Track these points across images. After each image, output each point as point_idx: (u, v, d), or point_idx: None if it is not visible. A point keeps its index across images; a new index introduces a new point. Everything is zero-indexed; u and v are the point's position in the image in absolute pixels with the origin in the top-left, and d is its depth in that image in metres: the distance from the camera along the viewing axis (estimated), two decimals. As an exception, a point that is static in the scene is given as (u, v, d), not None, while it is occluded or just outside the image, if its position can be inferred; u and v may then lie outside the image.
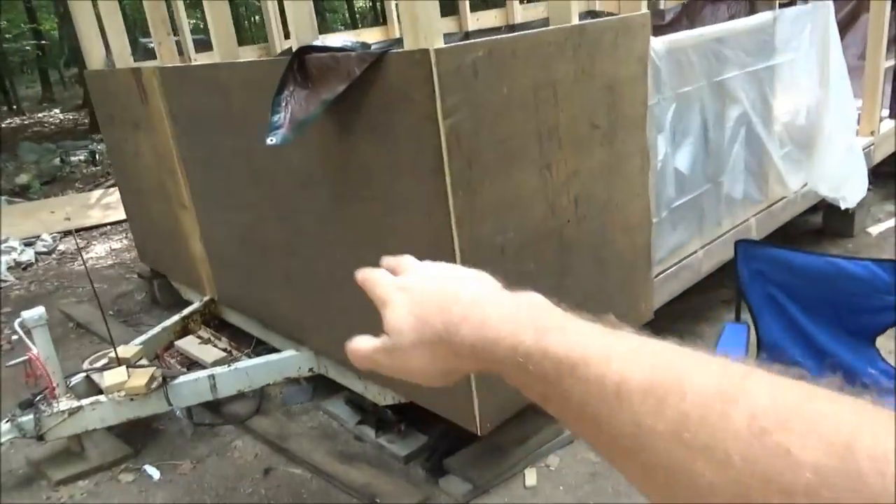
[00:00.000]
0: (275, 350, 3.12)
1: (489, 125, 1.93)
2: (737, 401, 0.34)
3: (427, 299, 0.56)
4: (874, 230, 4.68)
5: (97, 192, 6.88)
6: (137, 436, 2.90)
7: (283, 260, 2.79)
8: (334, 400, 2.95)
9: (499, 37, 1.91)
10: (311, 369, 2.90)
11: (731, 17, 8.45)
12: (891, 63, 4.35)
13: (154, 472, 2.68)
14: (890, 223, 4.80)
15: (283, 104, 2.10)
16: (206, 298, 3.57)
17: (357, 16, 18.12)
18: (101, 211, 6.42)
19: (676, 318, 3.13)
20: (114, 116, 3.77)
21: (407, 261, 0.65)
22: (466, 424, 2.21)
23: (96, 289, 4.79)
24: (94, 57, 3.77)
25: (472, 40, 1.85)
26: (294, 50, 2.16)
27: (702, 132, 2.81)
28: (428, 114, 1.80)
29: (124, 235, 5.97)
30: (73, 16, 3.78)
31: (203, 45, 3.39)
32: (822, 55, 3.41)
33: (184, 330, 3.45)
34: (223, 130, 2.78)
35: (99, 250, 5.69)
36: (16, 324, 2.60)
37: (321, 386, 3.05)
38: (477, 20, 5.40)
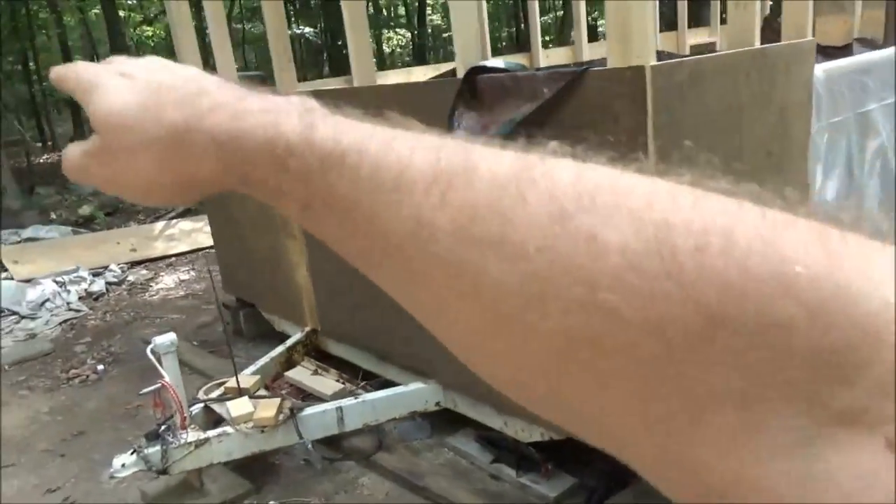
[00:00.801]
0: (389, 383, 3.02)
1: (686, 149, 1.86)
2: (535, 183, 0.28)
3: (161, 88, 0.42)
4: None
5: (160, 224, 6.88)
6: (255, 471, 2.79)
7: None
8: (460, 436, 2.83)
9: (698, 56, 1.85)
10: (437, 403, 2.80)
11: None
12: None
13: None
14: None
15: (456, 126, 2.05)
16: (307, 329, 3.48)
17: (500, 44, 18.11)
18: (165, 242, 6.41)
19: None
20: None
21: (119, 57, 0.49)
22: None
23: (172, 319, 4.75)
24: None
25: (678, 59, 1.79)
26: (461, 71, 2.13)
27: (847, 164, 2.74)
28: (635, 133, 1.74)
29: (191, 266, 5.94)
30: (176, 45, 3.80)
31: (260, 80, 3.38)
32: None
33: (288, 361, 3.36)
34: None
35: (168, 281, 5.64)
36: (148, 350, 2.52)
37: (439, 421, 2.94)
38: (547, 57, 5.43)
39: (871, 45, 3.19)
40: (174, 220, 6.98)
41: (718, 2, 6.53)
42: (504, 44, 17.59)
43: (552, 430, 2.37)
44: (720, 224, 0.24)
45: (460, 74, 2.12)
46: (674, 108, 1.77)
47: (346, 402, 2.71)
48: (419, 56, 15.67)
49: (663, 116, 1.73)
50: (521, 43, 14.73)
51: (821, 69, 2.39)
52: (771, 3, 6.03)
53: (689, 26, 6.11)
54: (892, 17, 3.01)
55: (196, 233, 6.56)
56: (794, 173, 2.34)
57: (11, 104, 12.78)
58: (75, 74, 0.46)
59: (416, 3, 16.11)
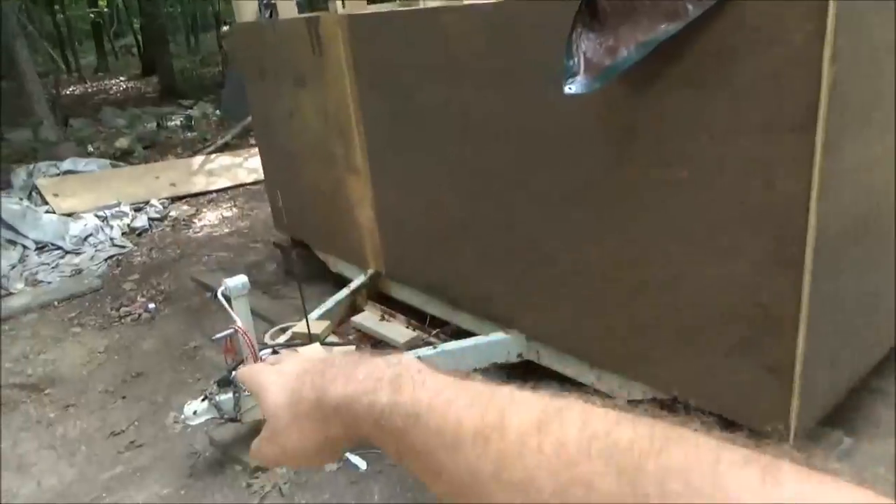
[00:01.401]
0: (461, 332, 2.85)
1: (861, 77, 1.59)
2: (550, 432, 0.36)
3: (303, 372, 0.54)
4: None
5: (199, 159, 6.68)
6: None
7: (495, 233, 2.51)
8: (542, 391, 2.67)
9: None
10: (519, 354, 2.63)
11: None
12: None
13: (359, 462, 2.44)
14: None
15: (575, 48, 1.79)
16: (370, 272, 3.31)
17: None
18: (206, 177, 6.23)
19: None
20: (266, 72, 3.50)
21: (287, 351, 0.66)
22: (771, 431, 1.90)
23: (220, 257, 4.60)
24: (246, 9, 3.50)
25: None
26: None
27: None
28: (806, 59, 1.48)
29: (233, 203, 5.77)
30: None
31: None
32: None
33: (352, 306, 3.20)
34: (437, 83, 2.48)
35: (211, 217, 5.49)
36: (219, 293, 2.36)
37: (518, 375, 2.77)
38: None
39: None
40: (214, 155, 6.78)
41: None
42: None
43: (656, 387, 2.19)
44: (680, 469, 0.32)
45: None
46: (852, 28, 1.49)
47: (424, 351, 2.55)
48: None
49: (842, 39, 1.46)
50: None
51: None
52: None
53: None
54: None
55: (236, 168, 6.37)
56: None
57: (36, 34, 12.48)
58: (251, 378, 0.59)
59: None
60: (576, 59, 1.77)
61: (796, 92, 1.51)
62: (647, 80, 1.79)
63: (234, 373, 2.43)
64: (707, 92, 1.68)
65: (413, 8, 2.66)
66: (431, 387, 0.43)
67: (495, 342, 2.60)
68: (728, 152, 1.69)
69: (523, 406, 0.39)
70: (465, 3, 2.36)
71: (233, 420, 2.42)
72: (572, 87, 1.75)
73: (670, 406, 2.14)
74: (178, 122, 8.98)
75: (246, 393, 2.36)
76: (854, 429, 2.11)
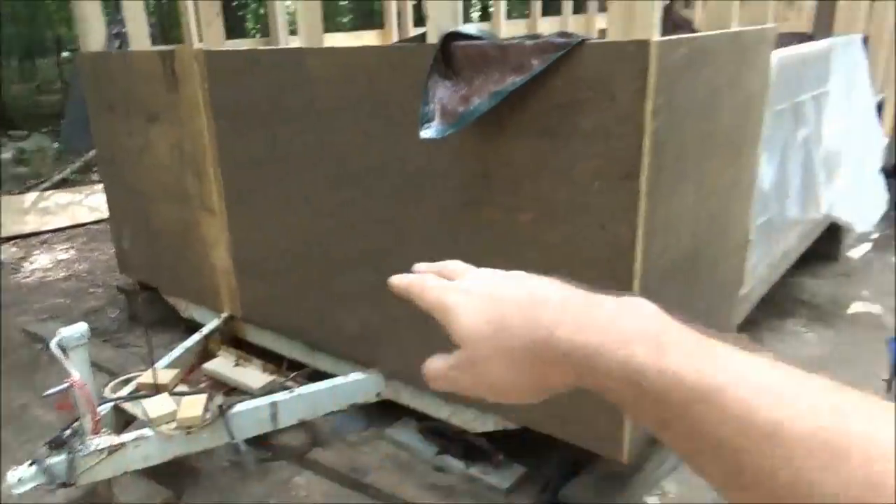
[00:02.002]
0: (319, 374, 2.80)
1: (677, 132, 1.79)
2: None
3: (504, 302, 0.49)
4: (854, 254, 4.94)
5: (31, 196, 6.11)
6: (173, 476, 2.49)
7: (357, 272, 2.51)
8: (399, 428, 2.67)
9: (693, 35, 1.78)
10: (378, 394, 2.62)
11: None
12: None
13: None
14: (866, 247, 5.09)
15: (431, 95, 1.87)
16: (225, 315, 3.17)
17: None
18: (39, 217, 5.70)
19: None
20: (115, 104, 3.31)
21: (455, 264, 0.58)
22: (608, 451, 2.03)
23: (55, 305, 4.21)
24: (93, 37, 3.31)
25: (677, 36, 1.70)
26: (434, 37, 1.94)
27: (782, 152, 2.81)
28: (631, 113, 1.64)
29: (71, 244, 5.32)
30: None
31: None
32: (851, 86, 3.55)
33: (204, 351, 3.04)
34: (297, 122, 2.47)
35: (43, 261, 5.02)
36: (52, 344, 2.15)
37: (375, 412, 2.76)
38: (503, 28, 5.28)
39: (798, 37, 3.31)
40: (49, 192, 6.24)
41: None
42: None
43: (507, 418, 2.27)
44: None
45: (433, 40, 1.94)
46: (671, 88, 1.69)
47: (280, 396, 2.47)
48: (365, 18, 14.64)
49: (663, 95, 1.64)
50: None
51: (774, 57, 2.41)
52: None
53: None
54: (823, 11, 3.12)
55: (75, 206, 5.89)
56: (748, 159, 2.35)
57: None
58: (421, 293, 0.55)
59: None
60: (432, 106, 1.85)
61: (623, 143, 1.67)
62: (498, 128, 1.90)
63: (66, 432, 2.21)
64: (550, 140, 1.81)
65: (274, 48, 2.65)
66: (708, 354, 0.39)
67: (354, 383, 2.58)
68: (567, 197, 1.82)
69: (873, 419, 0.33)
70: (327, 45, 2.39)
71: (65, 485, 2.20)
72: (427, 132, 1.82)
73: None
74: (9, 155, 8.18)
75: (82, 453, 2.17)
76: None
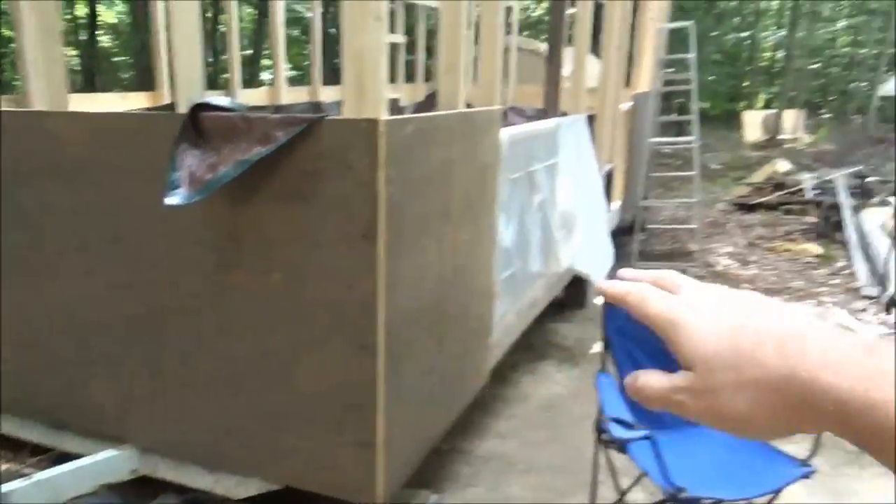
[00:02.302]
0: (66, 455, 2.57)
1: (412, 197, 1.99)
2: None
3: (750, 329, 0.44)
4: (598, 301, 5.68)
5: None
6: None
7: (101, 345, 2.38)
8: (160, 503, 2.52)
9: (423, 115, 2.02)
10: (134, 470, 2.46)
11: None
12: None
13: None
14: (606, 296, 5.87)
15: (180, 161, 1.89)
16: (-54, 399, 2.77)
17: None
18: None
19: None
20: None
21: (671, 275, 0.52)
22: (365, 498, 2.12)
23: None
24: None
25: (407, 115, 1.92)
26: (183, 106, 1.98)
27: (520, 214, 3.21)
28: (367, 181, 1.81)
29: None
30: None
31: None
32: (585, 155, 4.17)
33: (-82, 442, 2.63)
34: (48, 187, 2.31)
35: None
36: None
37: (129, 489, 2.58)
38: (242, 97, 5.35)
39: (522, 113, 3.82)
40: None
41: (403, 62, 7.21)
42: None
43: (268, 480, 2.27)
44: None
45: (183, 109, 1.97)
46: (402, 160, 1.89)
47: (13, 485, 2.22)
48: (89, 81, 13.71)
49: (394, 168, 1.83)
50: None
51: (505, 133, 2.78)
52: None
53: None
54: (552, 91, 3.65)
55: None
56: (487, 221, 2.66)
57: None
58: (641, 304, 0.48)
59: (88, 19, 14.06)
60: (179, 173, 1.87)
61: (362, 208, 1.83)
62: (250, 193, 1.97)
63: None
64: (298, 205, 1.92)
65: (17, 109, 2.47)
66: None
67: (104, 461, 2.40)
68: (316, 259, 1.94)
69: None
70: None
71: None
72: (173, 199, 1.83)
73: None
74: None
75: None
76: (439, 486, 2.48)
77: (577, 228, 4.14)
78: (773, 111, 22.36)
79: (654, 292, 0.50)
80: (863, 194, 8.76)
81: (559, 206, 3.92)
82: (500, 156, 2.72)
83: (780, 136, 21.71)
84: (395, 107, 8.35)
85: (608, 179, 5.75)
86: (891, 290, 5.45)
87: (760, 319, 0.45)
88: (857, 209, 7.47)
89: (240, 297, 2.06)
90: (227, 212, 2.01)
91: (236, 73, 4.62)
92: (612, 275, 4.10)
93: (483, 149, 2.51)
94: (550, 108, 3.63)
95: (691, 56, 6.39)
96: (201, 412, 2.26)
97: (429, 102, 8.86)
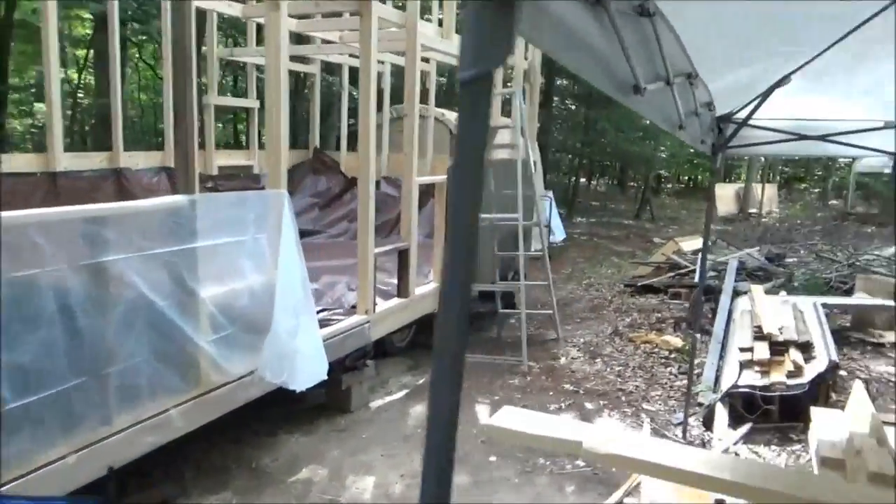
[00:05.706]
0: None
1: None
2: None
3: None
4: (378, 403, 4.84)
5: None
6: None
7: None
8: None
9: None
10: None
11: (329, 189, 9.12)
12: (381, 249, 4.74)
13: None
14: (399, 395, 5.04)
15: None
16: None
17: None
18: None
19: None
20: None
21: None
22: None
23: None
24: None
25: None
26: None
27: (62, 320, 2.48)
28: None
29: None
30: None
31: None
32: (274, 240, 3.46)
33: None
34: None
35: None
36: None
37: None
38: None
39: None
40: None
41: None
42: None
43: None
44: None
45: None
46: None
47: None
48: None
49: None
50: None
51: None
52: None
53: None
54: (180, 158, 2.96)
55: None
56: None
57: None
58: None
59: None
60: None
61: None
62: None
63: None
64: None
65: None
66: None
67: None
68: None
69: None
70: None
71: None
72: None
73: None
74: None
75: None
76: None
77: (265, 328, 3.37)
78: (742, 185, 21.87)
79: None
80: (763, 278, 7.99)
81: (217, 301, 3.19)
82: None
83: (751, 210, 21.06)
84: (249, 174, 7.83)
85: (401, 258, 5.04)
86: (717, 396, 4.60)
87: None
88: (737, 295, 6.66)
89: None
90: None
91: None
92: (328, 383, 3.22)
93: None
94: (180, 175, 2.94)
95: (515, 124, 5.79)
96: None
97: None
